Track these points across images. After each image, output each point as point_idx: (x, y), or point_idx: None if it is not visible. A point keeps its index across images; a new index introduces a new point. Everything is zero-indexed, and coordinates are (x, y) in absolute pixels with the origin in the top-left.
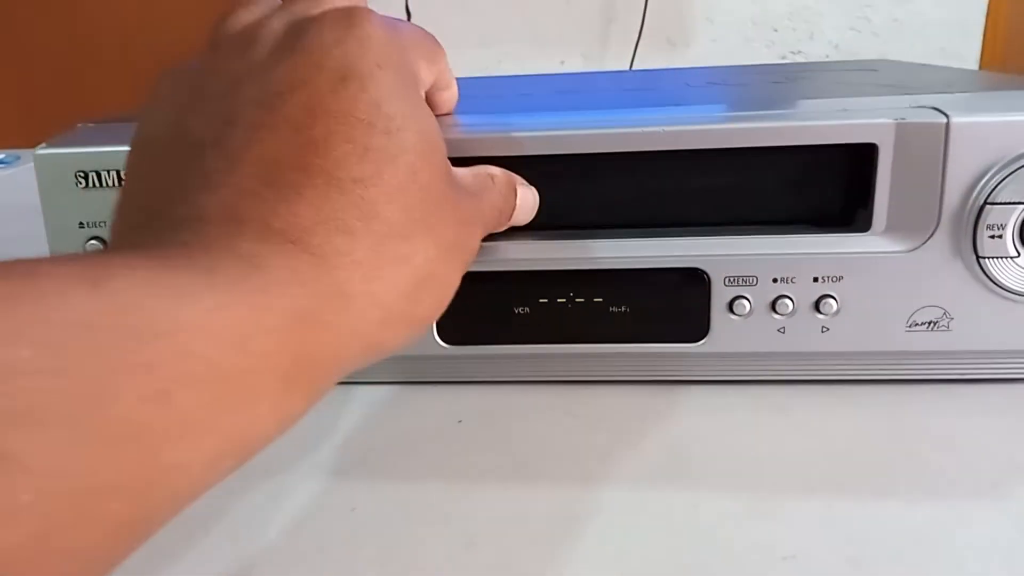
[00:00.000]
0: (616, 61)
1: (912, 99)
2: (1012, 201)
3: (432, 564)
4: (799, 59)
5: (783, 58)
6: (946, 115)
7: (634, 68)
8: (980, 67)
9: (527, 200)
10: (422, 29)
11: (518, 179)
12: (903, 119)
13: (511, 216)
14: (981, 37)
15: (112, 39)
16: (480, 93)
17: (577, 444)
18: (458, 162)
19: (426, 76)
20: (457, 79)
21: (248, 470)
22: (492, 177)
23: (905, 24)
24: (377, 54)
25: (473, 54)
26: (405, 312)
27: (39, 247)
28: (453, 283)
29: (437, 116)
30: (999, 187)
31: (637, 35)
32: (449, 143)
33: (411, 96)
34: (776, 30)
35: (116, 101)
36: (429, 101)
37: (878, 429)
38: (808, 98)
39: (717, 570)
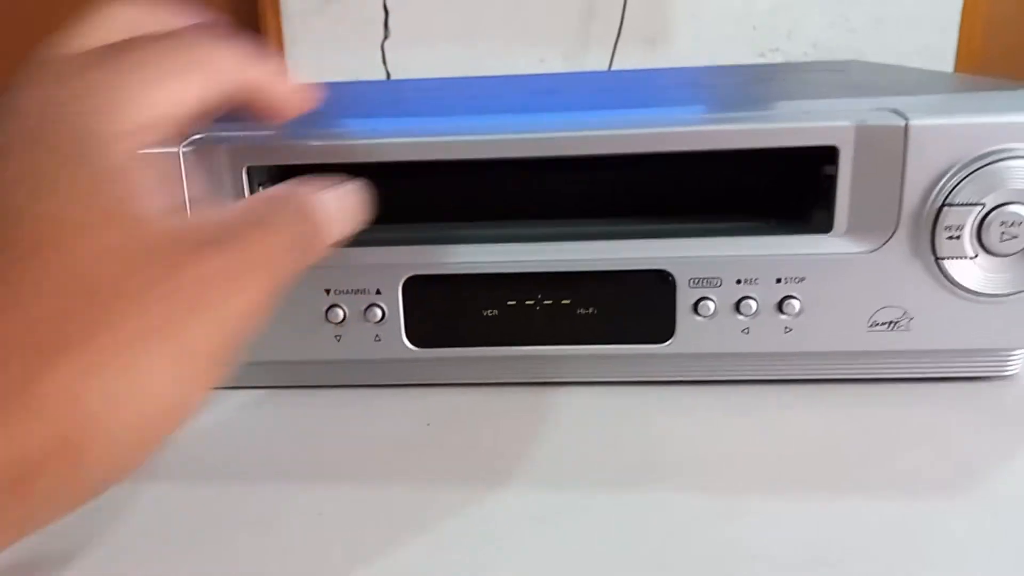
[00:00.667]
0: (596, 58)
1: (874, 101)
2: (969, 203)
3: (402, 567)
4: (778, 57)
5: (762, 56)
6: (905, 118)
7: (614, 65)
8: (957, 63)
9: (344, 203)
10: (178, 36)
11: (324, 183)
12: (863, 122)
13: (326, 233)
14: (957, 35)
15: None
16: (460, 94)
17: (546, 445)
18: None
19: (170, 99)
20: (439, 79)
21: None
22: (274, 201)
23: (884, 22)
24: (18, 128)
25: (452, 51)
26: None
27: None
28: (218, 361)
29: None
30: (957, 189)
31: (617, 33)
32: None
33: (68, 166)
34: (755, 28)
35: None
36: (245, 111)
37: (841, 428)
38: (773, 100)
39: (687, 569)
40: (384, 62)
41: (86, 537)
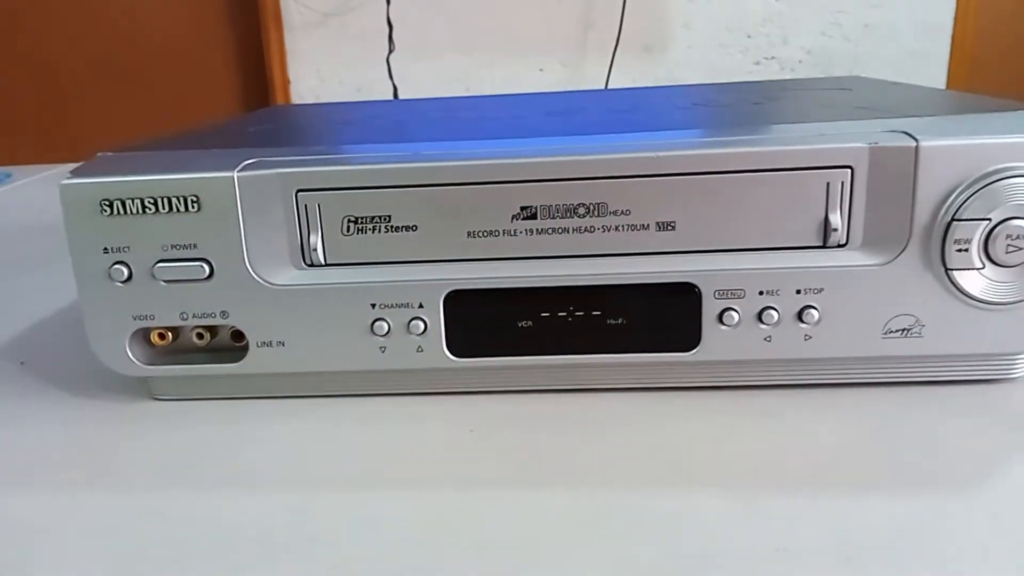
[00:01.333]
0: (595, 67)
1: (884, 123)
2: (977, 217)
3: (449, 569)
4: (773, 64)
5: (757, 63)
6: (915, 139)
7: (612, 73)
8: (950, 67)
9: None
10: None
11: None
12: (876, 143)
13: None
14: (950, 40)
15: (91, 57)
16: (491, 115)
17: (581, 449)
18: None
19: None
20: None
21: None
22: None
23: (876, 29)
24: None
25: (452, 61)
26: None
27: (32, 265)
28: None
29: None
30: (965, 205)
31: (615, 42)
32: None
33: None
34: (750, 36)
35: (97, 117)
36: None
37: (859, 429)
38: (790, 121)
39: (715, 562)
40: (391, 76)
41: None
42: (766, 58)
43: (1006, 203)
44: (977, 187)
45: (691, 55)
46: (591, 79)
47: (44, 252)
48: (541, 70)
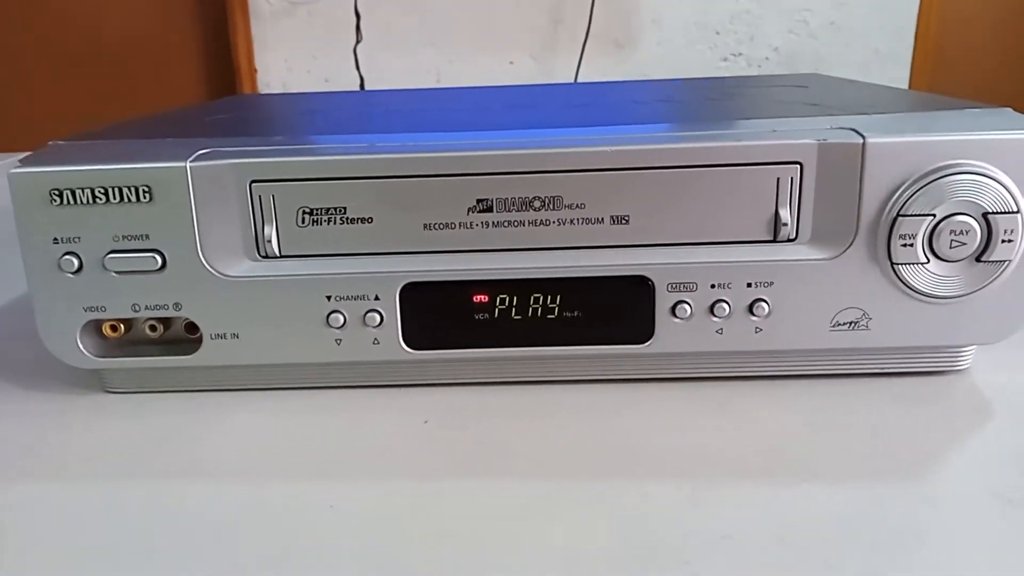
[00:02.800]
0: (564, 62)
1: (833, 120)
2: (921, 213)
3: (407, 557)
4: (741, 61)
5: (725, 60)
6: (863, 136)
7: (582, 68)
8: (913, 65)
9: None
10: None
11: None
12: (825, 140)
13: None
14: (913, 40)
15: (53, 45)
16: (448, 107)
17: (535, 440)
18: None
19: None
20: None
21: (214, 475)
22: None
23: (841, 27)
24: None
25: (422, 54)
26: None
27: None
28: None
29: None
30: (910, 201)
31: (584, 37)
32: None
33: None
34: (718, 33)
35: (57, 107)
36: None
37: (807, 420)
38: (743, 118)
39: (665, 549)
40: (357, 67)
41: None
42: (733, 55)
43: (950, 199)
44: (922, 183)
45: (660, 51)
46: (561, 73)
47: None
48: (511, 63)
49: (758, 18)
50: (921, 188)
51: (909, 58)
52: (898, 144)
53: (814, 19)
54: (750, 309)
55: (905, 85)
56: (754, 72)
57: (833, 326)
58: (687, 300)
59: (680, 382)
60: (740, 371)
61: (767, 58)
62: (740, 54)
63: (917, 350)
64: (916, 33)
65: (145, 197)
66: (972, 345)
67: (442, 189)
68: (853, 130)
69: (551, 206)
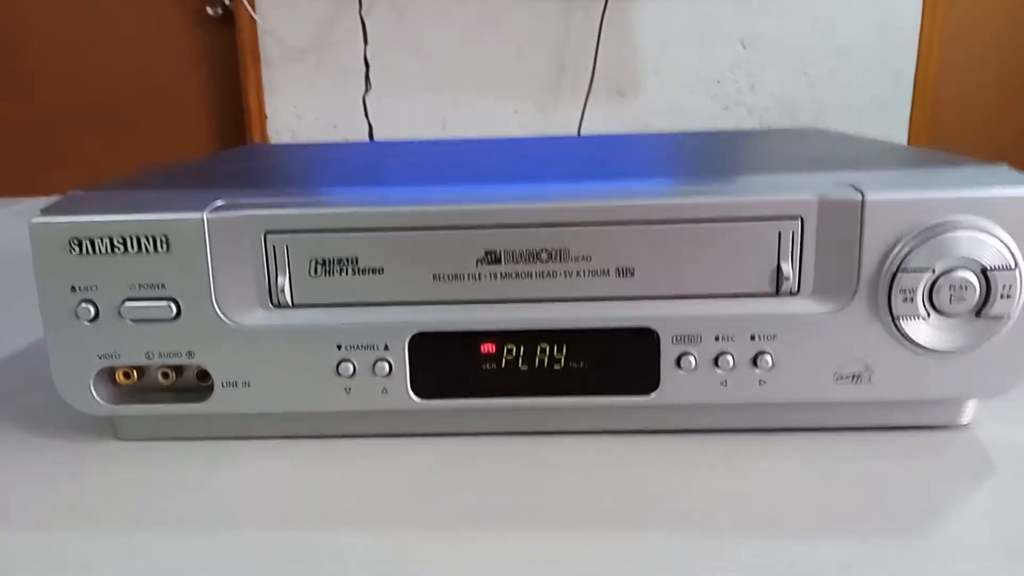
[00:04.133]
0: (568, 109)
1: (834, 176)
2: (921, 268)
3: None
4: (741, 109)
5: (726, 108)
6: (862, 192)
7: (585, 116)
8: (912, 113)
9: None
10: None
11: None
12: (824, 195)
13: None
14: (911, 87)
15: (69, 91)
16: (459, 159)
17: (542, 491)
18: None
19: None
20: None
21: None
22: None
23: (840, 76)
24: None
25: (428, 101)
26: None
27: (2, 301)
28: None
29: None
30: (909, 256)
31: (588, 86)
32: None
33: None
34: (719, 82)
35: (73, 149)
36: None
37: (811, 473)
38: (744, 173)
39: None
40: (366, 115)
41: None
42: (735, 103)
43: (949, 255)
44: (921, 239)
45: (662, 99)
46: (564, 120)
47: (13, 286)
48: (515, 111)
49: (758, 67)
50: (920, 244)
51: (908, 104)
52: (897, 201)
53: (814, 68)
54: (754, 362)
55: (904, 130)
56: (756, 120)
57: (836, 379)
58: (692, 352)
59: (685, 434)
60: (744, 423)
61: (767, 107)
62: (741, 103)
63: (920, 404)
64: (915, 79)
65: (162, 247)
66: (974, 399)
67: (451, 241)
68: (852, 186)
69: (558, 258)
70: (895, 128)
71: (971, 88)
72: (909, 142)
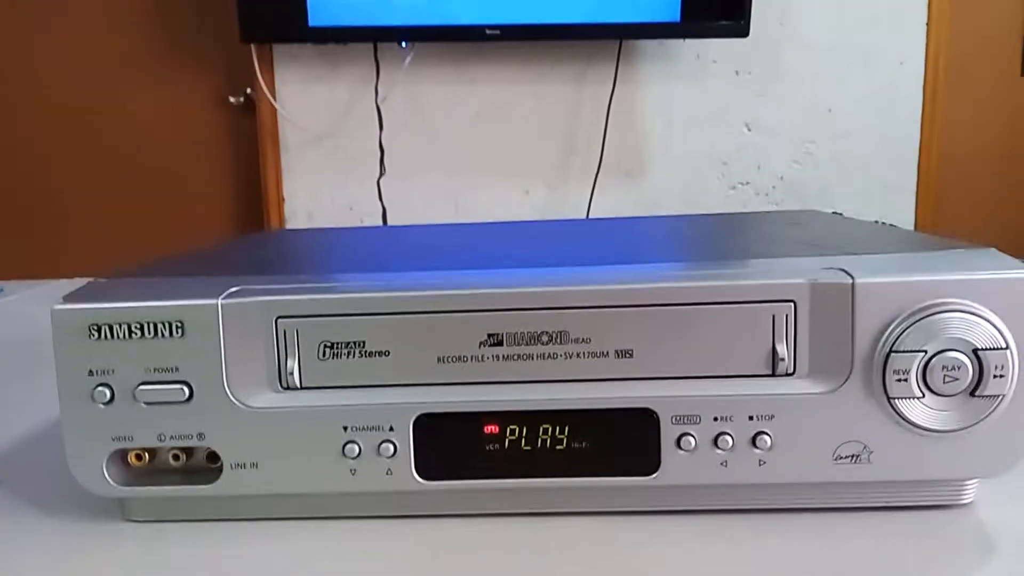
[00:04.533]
0: (577, 190)
1: (826, 260)
2: (913, 350)
3: None
4: (748, 189)
5: (733, 188)
6: (852, 276)
7: (594, 196)
8: (917, 196)
9: None
10: None
11: None
12: (816, 280)
13: None
14: (916, 170)
15: (90, 173)
16: (467, 244)
17: (546, 572)
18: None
19: None
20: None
21: None
22: None
23: (844, 158)
24: None
25: (441, 183)
26: None
27: (17, 379)
28: None
29: None
30: (901, 338)
31: (597, 167)
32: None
33: None
34: (725, 163)
35: (94, 230)
36: None
37: (813, 554)
38: (740, 257)
39: None
40: (380, 198)
41: None
42: (741, 183)
43: (940, 336)
44: (911, 321)
45: (669, 180)
46: (574, 201)
47: (29, 367)
48: (526, 192)
49: (763, 149)
50: (911, 326)
51: (913, 188)
52: (885, 284)
53: (818, 150)
54: (753, 442)
55: (911, 214)
56: (762, 199)
57: (835, 459)
58: (691, 432)
59: (687, 515)
60: (745, 504)
61: (774, 187)
62: (747, 183)
63: (920, 484)
64: (918, 164)
65: (177, 332)
66: (974, 479)
67: (455, 324)
68: (843, 270)
69: (558, 340)
70: (902, 209)
71: (975, 172)
72: (916, 223)
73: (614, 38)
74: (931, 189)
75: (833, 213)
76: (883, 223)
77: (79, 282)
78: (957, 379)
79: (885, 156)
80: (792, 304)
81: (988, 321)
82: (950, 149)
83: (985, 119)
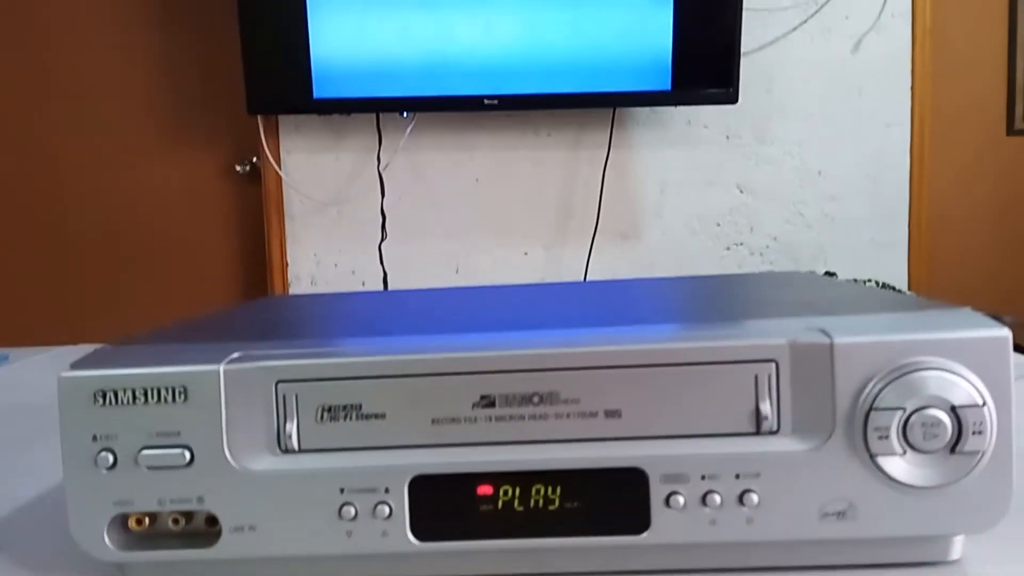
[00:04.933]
0: (575, 251)
1: (808, 320)
2: (892, 407)
3: None
4: (742, 250)
5: (728, 248)
6: (830, 337)
7: (592, 259)
8: (909, 255)
9: None
10: None
11: None
12: (796, 340)
13: None
14: (907, 230)
15: (92, 240)
16: (462, 307)
17: None
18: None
19: None
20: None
21: None
22: None
23: (836, 218)
24: None
25: (442, 247)
26: None
27: (19, 446)
28: None
29: None
30: (880, 395)
31: (593, 229)
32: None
33: None
34: (719, 224)
35: (98, 292)
36: None
37: None
38: (725, 317)
39: None
40: (381, 262)
41: None
42: (735, 244)
43: (918, 394)
44: (889, 380)
45: (664, 241)
46: (571, 262)
47: (30, 435)
48: (525, 254)
49: (756, 211)
50: (889, 384)
51: (905, 247)
52: (863, 344)
53: (809, 211)
54: (740, 499)
55: (904, 272)
56: (756, 259)
57: (822, 516)
58: (680, 491)
59: (678, 574)
60: (736, 563)
61: (767, 247)
62: (741, 244)
63: (906, 540)
64: (909, 224)
65: (180, 397)
66: (959, 535)
67: (448, 386)
68: (822, 330)
69: (549, 401)
70: (895, 267)
71: (966, 229)
72: (909, 281)
73: (608, 106)
74: (923, 247)
75: (826, 273)
76: (876, 282)
77: (83, 348)
78: (937, 436)
79: (876, 216)
80: (774, 364)
81: (964, 379)
82: (940, 208)
83: (973, 178)
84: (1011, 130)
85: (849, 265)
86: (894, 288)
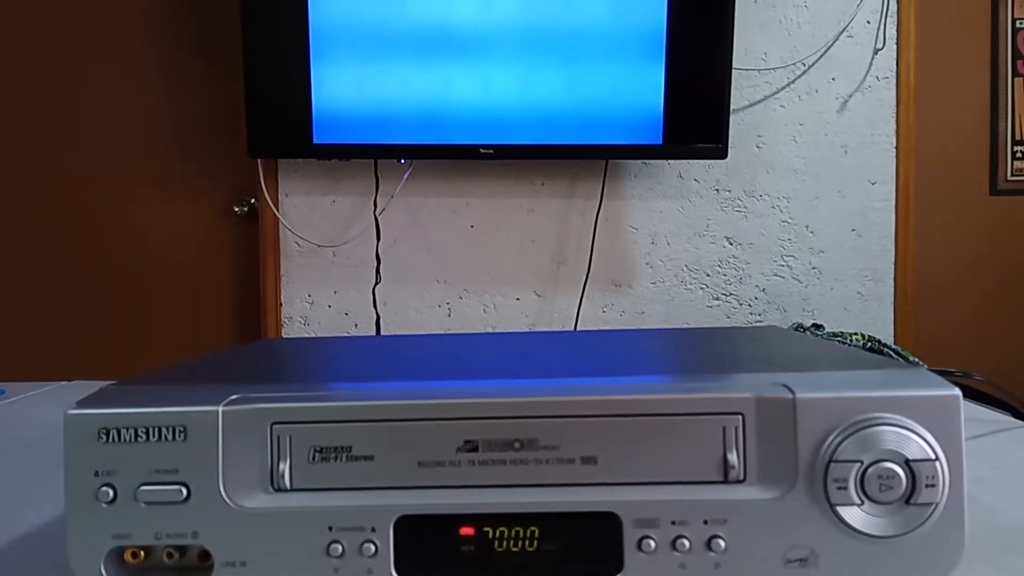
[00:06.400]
0: (566, 298)
1: (774, 376)
2: (850, 459)
3: None
4: (732, 300)
5: (717, 299)
6: (792, 392)
7: (583, 306)
8: (896, 309)
9: None
10: None
11: None
12: (761, 394)
13: None
14: (893, 282)
15: (89, 277)
16: (454, 354)
17: None
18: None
19: None
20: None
21: None
22: None
23: (822, 271)
24: None
25: (435, 291)
26: None
27: (15, 481)
28: None
29: None
30: (839, 448)
31: (585, 277)
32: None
33: None
34: (708, 275)
35: (98, 339)
36: None
37: None
38: (697, 370)
39: None
40: (375, 305)
41: None
42: (724, 295)
43: (874, 447)
44: (847, 433)
45: (655, 290)
46: (563, 308)
47: (27, 470)
48: (517, 299)
49: (744, 263)
50: (847, 437)
51: (891, 300)
52: (823, 400)
53: (796, 264)
54: (708, 545)
55: (890, 326)
56: (745, 310)
57: (785, 563)
58: (651, 535)
59: None
60: None
61: (756, 297)
62: (730, 294)
63: None
64: (895, 278)
65: (180, 436)
66: None
67: (435, 431)
68: (786, 386)
69: (529, 447)
70: (881, 320)
71: (951, 283)
72: (895, 334)
73: (600, 158)
74: (908, 301)
75: (813, 325)
76: (863, 335)
77: (80, 384)
78: (892, 488)
79: (862, 270)
80: (741, 416)
81: (917, 434)
82: (925, 264)
83: (957, 236)
84: (994, 190)
85: (836, 316)
86: (879, 341)
